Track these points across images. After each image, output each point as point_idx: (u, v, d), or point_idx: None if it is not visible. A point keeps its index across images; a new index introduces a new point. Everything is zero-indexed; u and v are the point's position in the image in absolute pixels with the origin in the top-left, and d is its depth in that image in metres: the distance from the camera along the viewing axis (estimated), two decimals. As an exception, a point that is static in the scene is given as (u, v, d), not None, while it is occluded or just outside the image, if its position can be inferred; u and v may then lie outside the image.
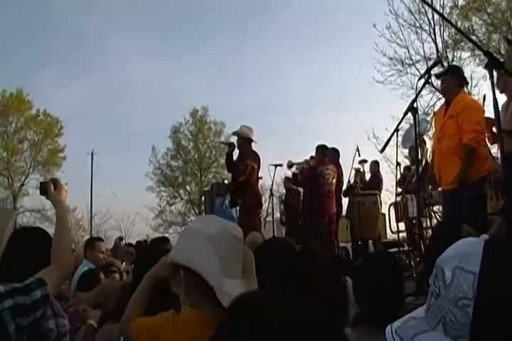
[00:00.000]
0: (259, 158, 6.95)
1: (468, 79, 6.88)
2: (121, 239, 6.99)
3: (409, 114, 4.67)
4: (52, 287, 1.90)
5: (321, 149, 7.59)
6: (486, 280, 0.91)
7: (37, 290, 1.82)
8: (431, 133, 14.19)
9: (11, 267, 2.16)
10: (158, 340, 1.69)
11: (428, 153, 6.88)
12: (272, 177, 8.11)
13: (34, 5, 38.53)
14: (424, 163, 6.78)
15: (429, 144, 7.13)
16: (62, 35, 40.57)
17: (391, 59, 16.37)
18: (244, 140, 6.92)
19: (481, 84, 14.96)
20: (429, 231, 5.86)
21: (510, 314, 0.89)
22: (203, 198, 21.50)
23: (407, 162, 8.52)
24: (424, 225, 5.98)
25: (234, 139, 7.34)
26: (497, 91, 3.34)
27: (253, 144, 7.01)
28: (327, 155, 7.59)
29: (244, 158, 6.83)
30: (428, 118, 11.06)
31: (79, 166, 32.82)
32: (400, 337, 1.01)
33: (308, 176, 7.57)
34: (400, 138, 5.65)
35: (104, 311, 3.04)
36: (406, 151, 8.34)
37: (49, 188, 2.21)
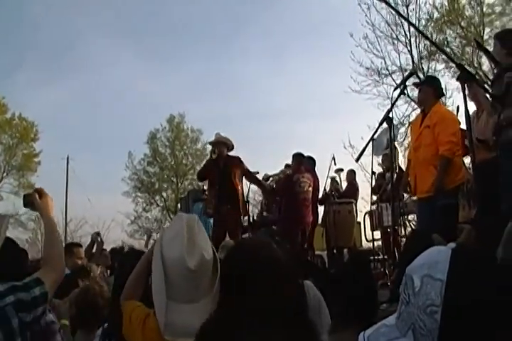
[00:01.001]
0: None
1: (444, 91, 7.00)
2: (98, 234, 6.71)
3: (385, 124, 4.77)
4: (50, 287, 1.92)
5: (297, 157, 7.61)
6: (452, 287, 0.94)
7: (35, 288, 1.85)
8: (401, 139, 14.44)
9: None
10: (131, 334, 1.87)
11: (399, 159, 6.97)
12: (248, 185, 8.10)
13: (9, 7, 38.04)
14: (397, 169, 6.85)
15: (399, 150, 7.22)
16: (39, 38, 40.15)
17: (368, 69, 16.56)
18: (224, 146, 6.88)
19: (455, 96, 15.21)
20: (404, 240, 5.92)
21: (475, 319, 0.92)
22: (179, 205, 21.43)
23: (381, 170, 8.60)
24: (399, 234, 6.05)
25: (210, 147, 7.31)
26: (469, 103, 3.42)
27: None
28: (303, 163, 7.61)
29: (231, 164, 6.77)
30: (399, 126, 11.17)
31: (54, 171, 32.43)
32: None
33: (285, 184, 7.59)
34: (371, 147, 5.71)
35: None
36: (381, 159, 8.43)
37: (34, 199, 2.23)
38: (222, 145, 6.88)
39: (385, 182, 7.27)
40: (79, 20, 40.33)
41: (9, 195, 28.09)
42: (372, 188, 7.21)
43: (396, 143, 7.45)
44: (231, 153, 6.96)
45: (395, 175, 6.50)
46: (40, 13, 38.32)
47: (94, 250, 6.42)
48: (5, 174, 29.05)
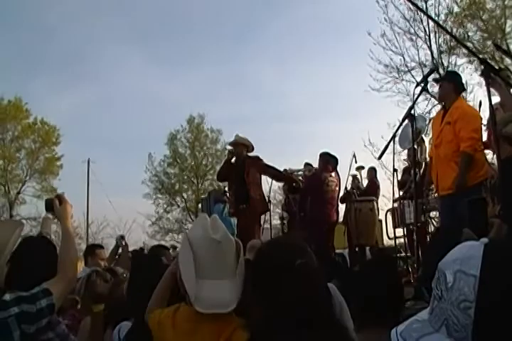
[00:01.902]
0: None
1: (465, 86, 6.90)
2: (122, 237, 6.74)
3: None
4: (58, 297, 1.94)
5: (325, 156, 7.55)
6: (486, 283, 0.93)
7: (43, 300, 1.86)
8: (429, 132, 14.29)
9: (18, 277, 2.22)
10: (162, 334, 1.85)
11: (427, 152, 6.87)
12: (269, 184, 8.10)
13: (27, 15, 38.57)
14: (424, 165, 6.77)
15: (427, 142, 7.11)
16: (60, 44, 40.64)
17: (386, 66, 16.46)
18: (244, 147, 6.96)
19: (476, 90, 15.05)
20: (427, 237, 5.88)
21: (509, 315, 0.91)
22: (199, 205, 21.50)
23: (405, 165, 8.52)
24: (424, 231, 5.99)
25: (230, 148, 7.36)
26: (492, 98, 3.36)
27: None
28: (330, 162, 7.58)
29: (248, 164, 6.83)
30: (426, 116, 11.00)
31: (75, 174, 32.83)
32: (405, 339, 1.03)
33: (312, 182, 7.56)
34: (397, 140, 5.66)
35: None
36: (402, 158, 8.34)
37: (54, 204, 2.27)
38: (241, 146, 6.97)
39: (409, 179, 7.18)
40: (94, 25, 40.78)
41: (32, 199, 28.52)
42: (398, 182, 7.11)
43: (424, 136, 7.30)
44: (251, 154, 7.02)
45: (421, 171, 6.46)
46: (57, 18, 38.85)
47: (119, 253, 6.49)
48: (28, 178, 29.48)
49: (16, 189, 29.04)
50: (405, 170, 7.83)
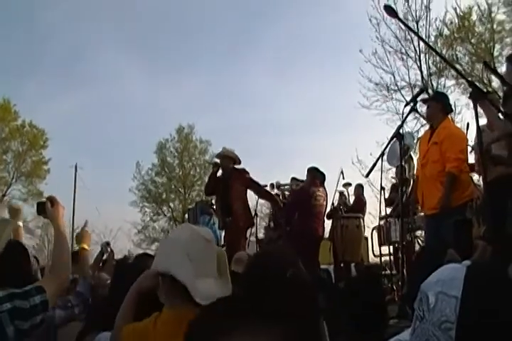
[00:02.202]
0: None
1: (452, 107, 7.02)
2: (108, 243, 6.73)
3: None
4: (51, 296, 1.95)
5: (313, 171, 7.58)
6: (467, 305, 0.96)
7: (36, 296, 1.87)
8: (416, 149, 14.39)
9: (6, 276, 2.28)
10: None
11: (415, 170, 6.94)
12: (256, 197, 8.12)
13: (21, 16, 38.51)
14: (412, 182, 6.83)
15: (415, 160, 7.21)
16: (51, 47, 40.45)
17: (377, 84, 16.54)
18: (231, 160, 6.99)
19: (464, 112, 15.21)
20: (412, 256, 5.91)
21: (490, 337, 0.93)
22: (186, 216, 21.44)
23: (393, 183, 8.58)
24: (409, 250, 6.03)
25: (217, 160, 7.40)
26: (480, 120, 3.43)
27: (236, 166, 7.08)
28: (318, 177, 7.63)
29: (234, 177, 6.85)
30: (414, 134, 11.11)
31: (62, 179, 32.54)
32: None
33: (300, 196, 7.58)
34: (385, 157, 5.72)
35: None
36: (390, 176, 8.39)
37: (47, 206, 2.28)
38: (227, 159, 6.99)
39: (397, 197, 7.25)
40: (89, 31, 40.70)
41: (17, 202, 28.18)
42: (386, 199, 7.17)
43: (412, 153, 7.38)
44: (239, 167, 7.05)
45: (409, 189, 6.52)
46: (52, 21, 38.75)
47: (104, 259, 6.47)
48: (14, 180, 29.24)
49: (1, 191, 28.78)
50: (393, 188, 7.90)
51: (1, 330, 1.74)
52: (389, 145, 5.37)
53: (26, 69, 39.88)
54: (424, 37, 15.19)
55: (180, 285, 1.77)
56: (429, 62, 16.26)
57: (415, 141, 7.26)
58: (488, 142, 4.16)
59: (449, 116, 5.54)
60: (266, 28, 41.21)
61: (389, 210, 7.48)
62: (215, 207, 8.44)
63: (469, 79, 11.56)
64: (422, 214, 5.73)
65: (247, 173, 6.97)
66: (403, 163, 5.33)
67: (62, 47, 39.21)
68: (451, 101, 5.79)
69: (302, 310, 1.67)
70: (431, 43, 15.43)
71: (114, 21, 41.43)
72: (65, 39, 40.07)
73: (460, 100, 15.61)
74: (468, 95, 3.84)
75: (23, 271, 2.43)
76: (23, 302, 1.82)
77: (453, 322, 0.96)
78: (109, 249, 6.56)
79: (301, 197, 7.54)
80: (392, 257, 6.78)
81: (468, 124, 5.63)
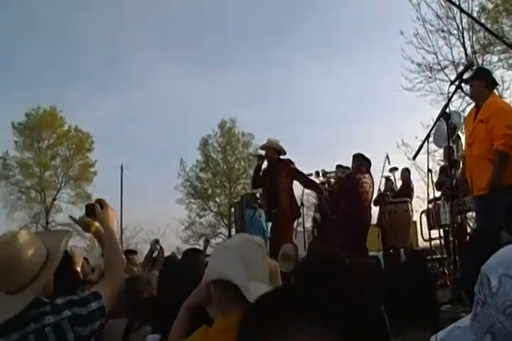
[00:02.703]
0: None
1: (499, 83, 6.73)
2: (157, 241, 6.88)
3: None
4: (107, 300, 1.98)
5: (358, 157, 7.49)
6: None
7: (93, 303, 1.91)
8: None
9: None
10: None
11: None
12: (302, 187, 8.06)
13: (59, 23, 39.49)
14: (461, 163, 6.62)
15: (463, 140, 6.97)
16: (88, 52, 41.45)
17: (419, 65, 16.20)
18: (275, 151, 6.99)
19: (512, 87, 14.73)
20: (464, 239, 5.75)
21: None
22: (232, 210, 21.57)
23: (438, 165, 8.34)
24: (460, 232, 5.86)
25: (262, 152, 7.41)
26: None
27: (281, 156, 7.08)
28: (364, 164, 7.50)
29: (279, 168, 6.85)
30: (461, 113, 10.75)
31: (109, 180, 33.22)
32: None
33: (346, 184, 7.49)
34: (431, 139, 5.55)
35: None
36: (436, 159, 8.16)
37: (96, 209, 2.29)
38: (272, 150, 7.00)
39: (446, 180, 7.02)
40: (125, 32, 41.50)
41: (67, 205, 29.11)
42: (435, 183, 6.96)
43: (460, 132, 7.14)
44: (284, 157, 7.05)
45: (459, 170, 6.30)
46: (87, 26, 39.64)
47: (154, 256, 6.58)
48: (63, 184, 30.23)
49: (51, 196, 29.75)
50: (442, 170, 7.65)
51: (62, 337, 1.79)
52: (435, 126, 5.21)
53: (67, 75, 40.94)
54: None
55: (233, 290, 1.76)
56: (473, 38, 15.81)
57: (462, 120, 7.01)
58: None
59: (496, 91, 5.29)
60: (303, 17, 40.96)
61: (438, 194, 7.27)
62: (259, 199, 8.45)
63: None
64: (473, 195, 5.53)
65: (292, 163, 6.97)
66: (451, 144, 5.15)
67: (102, 50, 40.22)
68: (498, 77, 5.56)
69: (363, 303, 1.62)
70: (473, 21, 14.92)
71: (150, 20, 42.03)
72: (103, 42, 41.04)
73: (508, 75, 15.13)
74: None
75: (71, 276, 2.47)
76: (82, 309, 1.86)
77: None
78: (158, 247, 6.69)
79: (347, 184, 7.46)
80: (442, 241, 6.58)
81: (517, 98, 5.38)
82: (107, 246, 2.24)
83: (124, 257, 5.13)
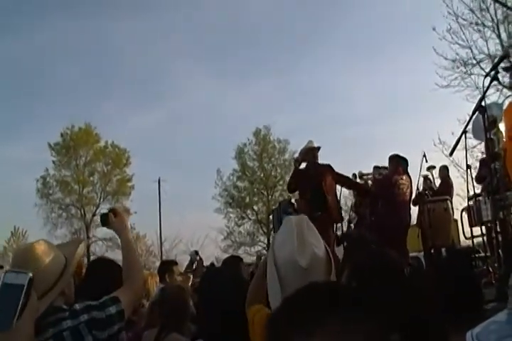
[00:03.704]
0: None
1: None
2: (196, 252, 7.00)
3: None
4: (127, 305, 1.98)
5: (395, 158, 7.40)
6: None
7: (112, 307, 1.92)
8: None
9: (87, 290, 2.43)
10: (257, 333, 1.93)
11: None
12: (339, 191, 7.94)
13: (93, 38, 40.49)
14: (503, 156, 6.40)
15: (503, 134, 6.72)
16: (126, 65, 42.32)
17: (453, 61, 15.91)
18: (315, 153, 6.96)
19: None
20: (508, 235, 5.53)
21: None
22: (270, 217, 21.52)
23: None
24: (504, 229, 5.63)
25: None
26: None
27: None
28: (401, 164, 7.36)
29: (324, 172, 6.82)
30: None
31: (147, 193, 33.64)
32: None
33: (383, 186, 7.37)
34: (470, 134, 5.37)
35: None
36: (475, 155, 7.90)
37: (110, 218, 2.30)
38: (313, 151, 6.96)
39: (487, 173, 6.77)
40: (162, 45, 42.07)
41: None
42: (475, 177, 6.75)
43: (501, 124, 6.90)
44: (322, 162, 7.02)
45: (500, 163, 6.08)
46: (125, 39, 40.46)
47: (194, 267, 6.64)
48: (101, 200, 30.86)
49: (91, 212, 30.37)
50: (482, 163, 7.39)
51: (80, 340, 1.80)
52: (472, 120, 5.02)
53: (102, 90, 41.89)
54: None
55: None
56: (509, 29, 15.43)
57: (502, 112, 6.76)
58: None
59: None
60: (334, 22, 40.93)
61: (479, 189, 7.02)
62: (296, 204, 8.34)
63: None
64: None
65: (333, 168, 6.94)
66: (492, 136, 4.96)
67: (134, 63, 40.92)
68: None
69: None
70: (508, 10, 14.58)
71: (185, 32, 42.74)
72: (136, 55, 41.79)
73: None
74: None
75: (106, 285, 2.48)
76: (100, 313, 1.87)
77: None
78: (198, 258, 6.73)
79: (383, 186, 7.36)
80: (485, 238, 6.34)
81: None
82: (124, 254, 2.24)
83: (168, 268, 5.18)
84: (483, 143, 7.12)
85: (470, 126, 5.16)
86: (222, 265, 5.61)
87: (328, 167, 6.92)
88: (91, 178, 30.87)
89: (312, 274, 1.78)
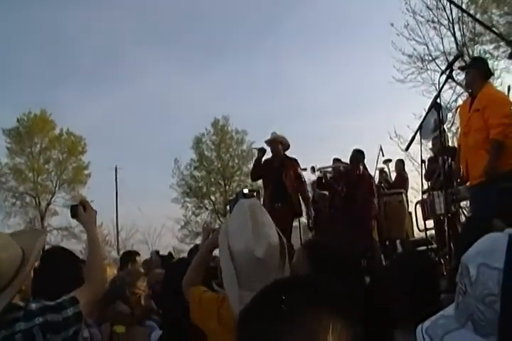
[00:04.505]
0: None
1: (492, 71, 6.67)
2: (157, 252, 7.13)
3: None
4: (85, 305, 1.92)
5: (358, 152, 7.55)
6: (510, 276, 0.89)
7: (69, 308, 1.85)
8: (448, 124, 14.12)
9: (44, 286, 2.34)
10: (206, 315, 1.95)
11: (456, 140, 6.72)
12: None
13: (49, 23, 39.28)
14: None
15: (448, 134, 6.97)
16: (81, 51, 41.29)
17: (410, 56, 16.30)
18: (282, 145, 6.98)
19: (503, 76, 14.82)
20: (458, 228, 5.75)
21: None
22: (227, 207, 21.55)
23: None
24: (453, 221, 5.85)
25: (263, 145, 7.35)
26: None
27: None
28: (362, 160, 7.51)
29: (285, 166, 6.86)
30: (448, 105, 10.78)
31: (104, 182, 33.09)
32: (430, 336, 1.00)
33: (363, 179, 7.44)
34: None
35: None
36: (429, 148, 8.11)
37: (79, 211, 2.24)
38: (277, 143, 6.97)
39: (437, 167, 7.01)
40: (116, 33, 41.26)
41: (62, 209, 29.05)
42: (424, 175, 6.98)
43: (445, 126, 7.15)
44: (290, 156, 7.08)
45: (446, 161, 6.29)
46: (79, 28, 39.44)
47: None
48: (57, 188, 30.12)
49: (46, 200, 29.65)
50: (431, 160, 7.65)
51: None
52: (426, 118, 5.18)
53: (57, 77, 40.75)
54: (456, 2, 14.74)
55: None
56: (464, 28, 15.90)
57: (447, 113, 7.02)
58: None
59: (489, 80, 5.26)
60: (291, 10, 40.95)
61: (430, 184, 7.26)
62: (249, 194, 8.37)
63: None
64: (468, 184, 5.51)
65: (298, 165, 7.02)
66: (441, 133, 5.12)
67: (89, 50, 39.99)
68: (490, 66, 5.50)
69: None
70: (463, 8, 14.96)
71: (139, 20, 41.87)
72: (91, 43, 40.76)
73: (498, 64, 15.18)
74: (508, 55, 3.60)
75: (66, 276, 2.42)
76: (56, 316, 1.80)
77: (497, 294, 0.89)
78: (157, 258, 6.79)
79: (364, 178, 7.42)
80: (437, 230, 6.57)
81: (509, 87, 5.36)
82: (90, 249, 2.18)
83: (131, 258, 5.16)
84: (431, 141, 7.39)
85: (435, 115, 5.30)
86: (188, 255, 5.63)
87: (295, 161, 7.00)
88: (46, 166, 30.04)
89: (268, 262, 1.82)
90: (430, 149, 7.97)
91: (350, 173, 7.52)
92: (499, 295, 0.88)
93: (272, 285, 0.84)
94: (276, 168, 6.84)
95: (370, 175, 7.47)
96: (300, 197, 6.95)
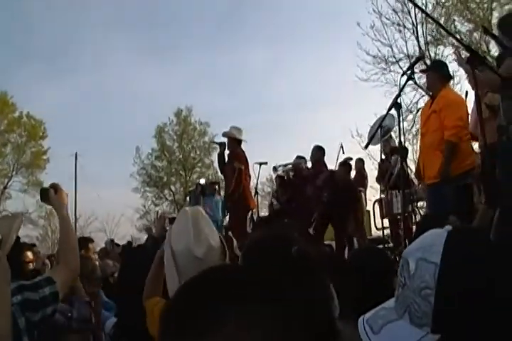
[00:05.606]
0: (246, 158, 7.04)
1: (452, 74, 6.87)
2: (112, 241, 7.09)
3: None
4: (62, 286, 1.92)
5: (320, 151, 7.66)
6: (445, 271, 0.94)
7: (46, 288, 1.85)
8: (408, 126, 14.43)
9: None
10: (155, 328, 1.87)
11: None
12: (256, 176, 8.06)
13: (10, 5, 38.01)
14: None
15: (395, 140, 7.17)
16: (44, 35, 40.21)
17: (375, 57, 16.49)
18: (233, 140, 7.02)
19: (463, 81, 15.13)
20: (414, 227, 5.89)
21: (467, 302, 0.91)
22: (187, 198, 21.48)
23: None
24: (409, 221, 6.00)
25: (225, 140, 7.39)
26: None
27: (243, 144, 7.16)
28: (322, 157, 7.60)
29: (231, 161, 6.96)
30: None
31: (63, 168, 32.47)
32: (370, 326, 1.04)
33: (331, 179, 7.52)
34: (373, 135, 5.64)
35: None
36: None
37: (50, 194, 2.21)
38: (231, 140, 7.06)
39: (391, 167, 7.17)
40: (82, 16, 40.31)
41: (18, 193, 28.33)
42: (376, 177, 7.15)
43: (393, 133, 7.31)
44: (244, 145, 7.17)
45: (399, 163, 6.46)
46: (41, 10, 38.33)
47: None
48: (14, 172, 29.38)
49: (2, 184, 28.88)
50: (382, 162, 7.78)
51: (13, 322, 1.71)
52: (381, 120, 5.29)
53: (18, 58, 39.58)
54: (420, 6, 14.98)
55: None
56: (426, 31, 16.19)
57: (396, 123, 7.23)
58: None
59: (449, 84, 5.41)
60: (258, 4, 40.84)
61: (381, 186, 7.45)
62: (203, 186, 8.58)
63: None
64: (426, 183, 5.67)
65: (243, 157, 7.05)
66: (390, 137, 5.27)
67: (53, 33, 38.97)
68: (450, 70, 5.65)
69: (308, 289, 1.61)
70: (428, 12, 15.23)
71: (103, 6, 40.94)
72: (55, 24, 39.77)
73: (459, 70, 15.50)
74: (466, 60, 3.72)
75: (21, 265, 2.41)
76: (33, 294, 1.80)
77: (432, 288, 0.95)
78: (112, 247, 6.78)
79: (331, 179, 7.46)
80: (392, 229, 6.75)
81: (466, 92, 5.52)
82: (61, 232, 2.17)
83: (84, 245, 5.12)
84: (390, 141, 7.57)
85: (385, 122, 5.42)
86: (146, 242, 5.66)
87: (239, 156, 7.06)
88: (3, 149, 29.20)
89: (208, 264, 1.83)
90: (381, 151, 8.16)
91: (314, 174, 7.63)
92: (434, 288, 0.94)
93: (196, 279, 0.78)
94: (228, 162, 7.02)
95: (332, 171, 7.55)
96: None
